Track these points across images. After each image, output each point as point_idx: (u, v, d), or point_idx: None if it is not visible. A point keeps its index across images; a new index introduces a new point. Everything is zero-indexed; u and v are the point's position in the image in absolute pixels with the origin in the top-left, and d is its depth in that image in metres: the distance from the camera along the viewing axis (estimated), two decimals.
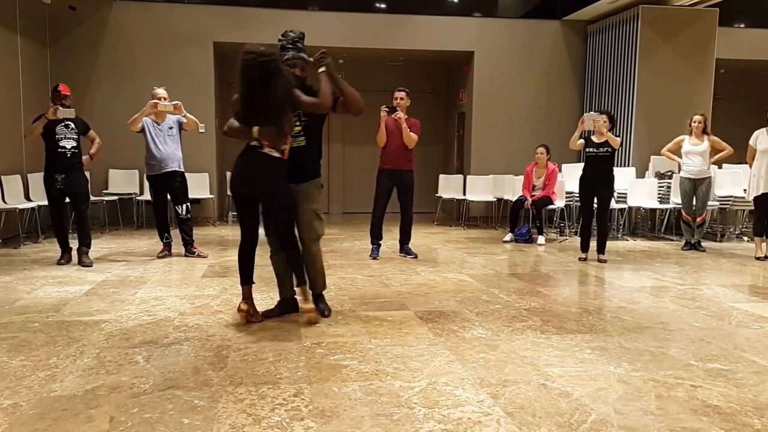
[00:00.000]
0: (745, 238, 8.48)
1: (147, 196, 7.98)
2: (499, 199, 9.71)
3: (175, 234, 6.65)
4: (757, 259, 6.83)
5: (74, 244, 6.19)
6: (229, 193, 7.27)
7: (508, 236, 8.18)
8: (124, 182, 9.29)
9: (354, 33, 9.98)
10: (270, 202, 3.86)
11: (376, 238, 6.74)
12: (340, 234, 8.72)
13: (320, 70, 3.82)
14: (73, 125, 6.07)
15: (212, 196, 9.62)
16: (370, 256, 6.69)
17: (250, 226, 4.00)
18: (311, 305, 4.03)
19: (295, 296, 4.22)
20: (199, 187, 9.23)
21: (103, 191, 9.05)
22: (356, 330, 3.89)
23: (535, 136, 9.83)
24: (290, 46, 3.96)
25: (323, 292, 4.35)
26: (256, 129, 3.67)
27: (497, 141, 10.34)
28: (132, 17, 9.44)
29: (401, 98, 6.55)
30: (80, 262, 6.07)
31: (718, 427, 2.55)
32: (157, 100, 6.18)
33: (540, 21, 10.41)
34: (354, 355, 3.39)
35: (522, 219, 8.41)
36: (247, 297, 4.01)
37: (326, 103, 3.81)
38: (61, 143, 5.99)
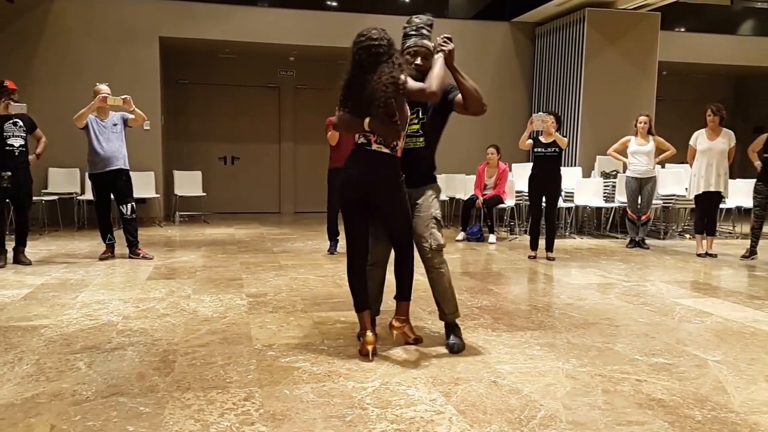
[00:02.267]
0: (687, 236, 8.78)
1: (89, 195, 7.72)
2: (452, 199, 9.79)
3: (119, 235, 6.46)
4: (699, 255, 7.07)
5: (9, 245, 5.96)
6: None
7: (461, 235, 8.26)
8: (65, 181, 8.98)
9: (304, 30, 9.90)
10: (389, 203, 3.42)
11: (334, 234, 6.86)
12: (292, 234, 8.63)
13: (436, 55, 3.44)
14: (21, 123, 5.85)
15: (158, 195, 9.38)
16: (329, 251, 6.85)
17: (363, 238, 3.51)
18: (402, 324, 3.55)
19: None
20: (144, 186, 8.98)
21: (43, 191, 8.70)
22: (308, 331, 3.85)
23: (486, 135, 9.93)
24: (413, 33, 3.54)
25: (457, 321, 3.65)
26: (367, 120, 3.27)
27: (449, 141, 10.22)
28: (73, 11, 9.12)
29: None
30: (19, 261, 5.86)
31: (662, 419, 2.62)
32: (106, 95, 5.99)
33: (489, 22, 10.55)
34: (306, 357, 3.35)
35: (473, 218, 8.50)
36: (369, 325, 3.42)
37: (431, 88, 3.31)
38: (9, 141, 5.74)
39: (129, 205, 6.27)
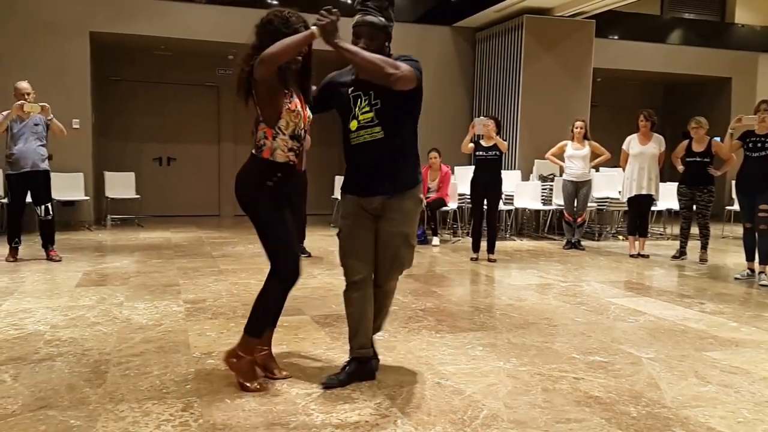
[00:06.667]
0: (620, 237, 9.07)
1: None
2: None
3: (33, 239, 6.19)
4: (631, 256, 7.31)
5: None
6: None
7: None
8: None
9: (244, 28, 9.61)
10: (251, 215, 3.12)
11: None
12: (233, 237, 8.45)
13: (312, 28, 2.90)
14: None
15: (88, 197, 9.00)
16: None
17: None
18: None
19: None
20: (72, 187, 8.59)
21: None
22: None
23: (429, 139, 9.92)
24: (359, 8, 3.04)
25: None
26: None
27: None
28: None
29: None
30: None
31: (599, 416, 2.68)
32: (23, 101, 5.77)
33: (431, 26, 10.63)
34: None
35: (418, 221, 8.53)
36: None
37: (267, 53, 2.82)
38: None
39: (44, 206, 6.07)
